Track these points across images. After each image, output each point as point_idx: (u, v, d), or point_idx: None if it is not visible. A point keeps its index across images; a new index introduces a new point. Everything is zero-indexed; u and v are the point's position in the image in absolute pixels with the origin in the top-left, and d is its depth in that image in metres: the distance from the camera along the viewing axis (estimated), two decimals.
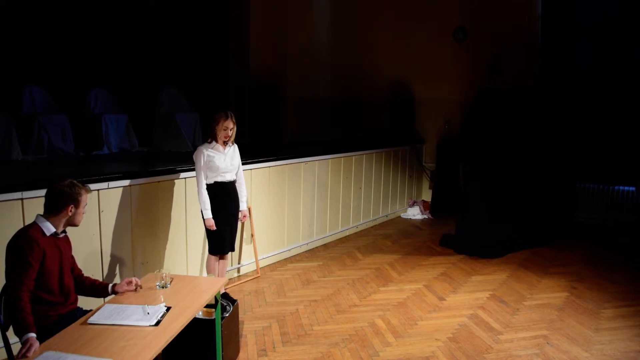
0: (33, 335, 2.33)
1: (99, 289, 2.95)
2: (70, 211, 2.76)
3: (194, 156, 4.24)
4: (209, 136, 4.28)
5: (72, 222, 2.82)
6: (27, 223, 3.08)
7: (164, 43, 7.73)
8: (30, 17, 6.60)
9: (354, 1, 8.87)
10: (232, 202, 4.37)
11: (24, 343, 2.28)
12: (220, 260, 4.48)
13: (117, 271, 4.24)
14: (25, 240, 2.61)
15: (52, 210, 2.75)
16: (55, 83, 6.60)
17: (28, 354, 2.20)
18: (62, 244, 2.81)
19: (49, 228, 2.72)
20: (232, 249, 4.49)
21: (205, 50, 8.10)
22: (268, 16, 8.31)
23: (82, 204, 2.81)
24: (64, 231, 2.84)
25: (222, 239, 4.34)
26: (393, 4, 8.74)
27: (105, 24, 7.23)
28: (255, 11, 8.11)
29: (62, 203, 2.74)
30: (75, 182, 2.81)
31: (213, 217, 4.21)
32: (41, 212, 2.77)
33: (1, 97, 6.09)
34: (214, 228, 4.23)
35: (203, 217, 4.22)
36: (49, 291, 2.69)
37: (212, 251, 4.40)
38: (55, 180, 2.83)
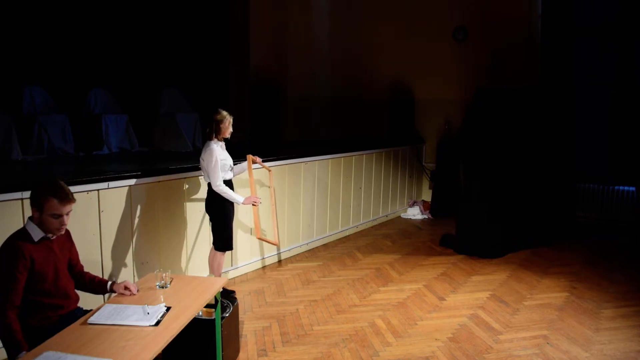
0: (26, 353, 2.30)
1: (98, 286, 2.94)
2: (35, 214, 2.57)
3: (205, 155, 4.17)
4: (213, 134, 4.22)
5: (45, 229, 2.60)
6: None
7: (164, 43, 7.71)
8: (30, 17, 6.59)
9: (354, 1, 8.87)
10: None
11: None
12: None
13: (117, 271, 4.24)
14: (9, 252, 2.51)
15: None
16: (55, 83, 6.58)
17: None
18: (56, 245, 2.72)
19: (36, 233, 2.60)
20: None
21: (205, 50, 8.08)
22: (268, 16, 8.31)
23: (47, 210, 2.55)
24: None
25: (231, 235, 4.43)
26: (393, 3, 8.73)
27: (105, 24, 7.21)
28: (255, 11, 8.11)
29: (31, 201, 2.59)
30: (55, 183, 2.61)
31: (226, 215, 4.29)
32: None
33: (1, 97, 6.07)
34: (260, 201, 4.38)
35: (237, 202, 4.25)
36: (45, 294, 2.64)
37: (224, 248, 4.41)
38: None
